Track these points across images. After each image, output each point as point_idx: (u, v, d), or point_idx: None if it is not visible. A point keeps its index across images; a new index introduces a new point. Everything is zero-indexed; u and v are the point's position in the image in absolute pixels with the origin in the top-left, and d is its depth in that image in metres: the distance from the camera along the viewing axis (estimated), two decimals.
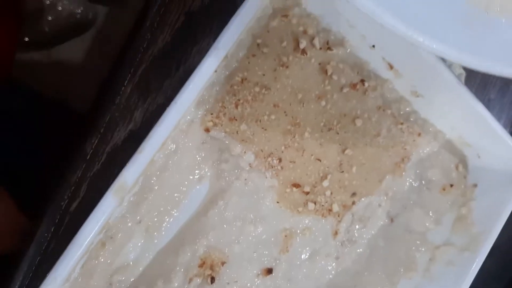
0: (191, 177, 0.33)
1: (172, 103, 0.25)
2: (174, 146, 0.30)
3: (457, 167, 0.39)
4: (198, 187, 0.33)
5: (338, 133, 0.35)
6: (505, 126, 0.50)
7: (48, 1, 0.66)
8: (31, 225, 0.44)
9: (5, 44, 0.53)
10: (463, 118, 0.36)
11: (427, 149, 0.38)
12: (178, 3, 0.33)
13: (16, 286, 0.32)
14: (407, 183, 0.38)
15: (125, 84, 0.32)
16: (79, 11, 0.67)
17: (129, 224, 0.30)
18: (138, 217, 0.30)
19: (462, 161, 0.39)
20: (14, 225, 0.47)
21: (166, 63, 0.33)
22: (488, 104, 0.48)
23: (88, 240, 0.24)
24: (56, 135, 0.47)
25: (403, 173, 0.38)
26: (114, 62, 0.32)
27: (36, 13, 0.65)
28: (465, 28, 0.22)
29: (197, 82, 0.25)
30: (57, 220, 0.32)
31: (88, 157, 0.32)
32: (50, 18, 0.66)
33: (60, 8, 0.66)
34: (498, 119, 0.49)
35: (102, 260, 0.29)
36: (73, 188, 0.32)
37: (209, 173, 0.33)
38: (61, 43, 0.68)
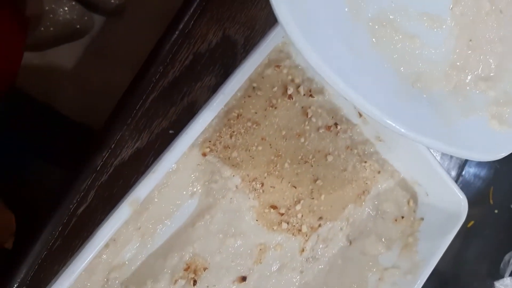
0: (185, 192, 0.38)
1: (184, 134, 0.30)
2: (175, 166, 0.36)
3: (408, 202, 0.46)
4: (189, 201, 0.39)
5: (312, 166, 0.41)
6: (454, 168, 0.58)
7: (47, 7, 0.69)
8: (16, 222, 0.48)
9: (12, 51, 0.56)
10: (416, 163, 0.43)
11: (385, 185, 0.45)
12: (188, 44, 0.38)
13: (21, 277, 0.36)
14: (366, 212, 0.45)
15: (137, 108, 0.37)
16: (76, 17, 0.70)
17: (130, 229, 0.35)
18: (138, 224, 0.35)
19: (413, 197, 0.46)
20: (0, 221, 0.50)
21: (173, 94, 0.38)
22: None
23: (104, 241, 0.29)
24: (69, 146, 0.51)
25: (363, 204, 0.45)
26: (127, 89, 0.37)
27: (35, 19, 0.68)
28: (394, 97, 0.27)
29: (205, 119, 0.31)
30: (64, 221, 0.36)
31: (98, 168, 0.37)
32: (48, 23, 0.68)
33: (58, 14, 0.69)
34: (449, 161, 0.57)
35: (104, 258, 0.34)
36: (82, 194, 0.36)
37: (200, 190, 0.39)
38: (57, 46, 0.71)
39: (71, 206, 0.36)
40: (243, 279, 0.40)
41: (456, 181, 0.56)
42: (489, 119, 0.31)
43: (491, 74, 0.32)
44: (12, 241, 0.48)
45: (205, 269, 0.38)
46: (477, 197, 0.61)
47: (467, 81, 0.31)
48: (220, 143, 0.37)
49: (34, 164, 0.59)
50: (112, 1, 0.71)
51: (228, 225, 0.39)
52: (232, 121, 0.37)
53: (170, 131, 0.38)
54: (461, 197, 0.43)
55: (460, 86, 0.31)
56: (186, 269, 0.38)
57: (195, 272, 0.38)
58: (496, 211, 0.62)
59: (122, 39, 0.74)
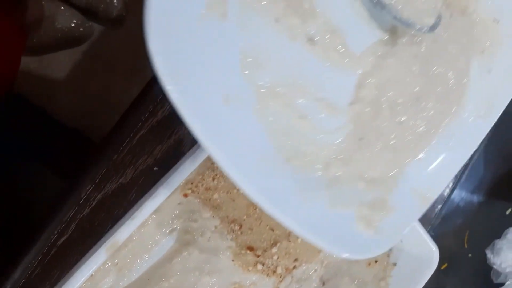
0: (164, 229, 0.39)
1: (166, 183, 0.31)
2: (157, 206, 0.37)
3: None
4: (168, 237, 0.40)
5: None
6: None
7: (48, 14, 0.69)
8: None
9: (11, 55, 0.57)
10: None
11: None
12: None
13: None
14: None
15: (124, 145, 0.38)
16: (76, 25, 0.71)
17: (108, 265, 0.36)
18: (116, 260, 0.36)
19: None
20: None
21: (161, 132, 0.39)
22: None
23: (79, 283, 0.30)
24: (63, 151, 0.51)
25: None
26: (115, 124, 0.38)
27: (35, 24, 0.68)
28: (260, 162, 0.28)
29: (189, 167, 0.32)
30: (45, 250, 0.37)
31: (81, 201, 0.37)
32: (48, 29, 0.69)
33: (58, 21, 0.69)
34: None
35: None
36: (63, 225, 0.37)
37: (179, 228, 0.40)
38: (55, 52, 0.71)
39: (52, 237, 0.37)
40: None
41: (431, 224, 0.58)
42: (357, 219, 0.31)
43: (374, 177, 0.32)
44: None
45: None
46: (451, 240, 0.63)
47: (346, 175, 0.31)
48: (202, 185, 0.38)
49: (28, 167, 0.59)
50: (113, 11, 0.72)
51: (205, 263, 0.40)
52: (214, 165, 0.38)
53: (155, 168, 0.39)
54: (434, 248, 0.45)
55: (338, 178, 0.31)
56: None
57: None
58: (470, 255, 0.64)
59: (120, 49, 0.75)
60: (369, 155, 0.32)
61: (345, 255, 0.30)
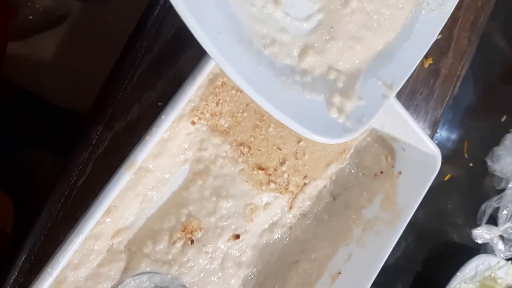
0: (178, 160, 0.41)
1: (172, 103, 0.33)
2: (167, 135, 0.38)
3: (386, 158, 0.49)
4: (182, 167, 0.41)
5: None
6: (429, 127, 0.61)
7: None
8: (13, 205, 0.50)
9: None
10: (392, 120, 0.46)
11: (364, 143, 0.48)
12: (171, 19, 0.40)
13: (29, 247, 0.39)
14: (347, 169, 0.48)
15: (126, 83, 0.39)
16: (54, 4, 0.71)
17: (130, 196, 0.37)
18: (137, 191, 0.38)
19: (391, 153, 0.49)
20: None
21: (159, 67, 0.40)
22: (415, 108, 0.58)
23: (107, 204, 0.31)
24: (57, 132, 0.52)
25: (345, 161, 0.48)
26: (115, 64, 0.39)
27: (14, 8, 0.68)
28: (236, 44, 0.29)
29: (191, 89, 0.33)
30: (66, 193, 0.39)
31: (94, 142, 0.39)
32: (27, 12, 0.69)
33: (36, 2, 0.69)
34: (424, 120, 0.60)
35: (107, 223, 0.37)
36: (80, 166, 0.39)
37: (191, 158, 0.41)
38: (37, 34, 0.71)
39: (71, 179, 0.39)
40: (237, 236, 0.43)
41: (431, 139, 0.60)
42: (329, 106, 0.33)
43: (346, 67, 0.34)
44: (11, 226, 0.50)
45: (201, 229, 0.41)
46: (452, 152, 0.65)
47: (319, 64, 0.33)
48: (207, 111, 0.39)
49: (25, 150, 0.60)
50: None
51: (220, 189, 0.42)
52: (217, 90, 0.39)
53: (159, 103, 0.40)
54: (434, 149, 0.46)
55: (311, 67, 0.33)
56: (183, 230, 0.41)
57: (191, 232, 0.41)
58: (471, 164, 0.66)
59: (103, 22, 0.75)
60: (340, 45, 0.33)
61: (318, 138, 0.32)
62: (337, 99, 0.33)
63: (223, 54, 0.27)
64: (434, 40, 0.37)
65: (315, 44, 0.33)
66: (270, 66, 0.31)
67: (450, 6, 0.37)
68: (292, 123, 0.31)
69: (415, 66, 0.36)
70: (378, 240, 0.47)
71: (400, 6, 0.35)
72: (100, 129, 0.39)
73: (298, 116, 0.31)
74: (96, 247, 0.36)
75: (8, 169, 0.58)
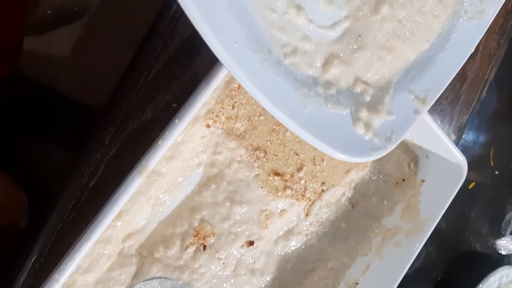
0: (191, 163, 0.39)
1: (187, 105, 0.31)
2: (181, 138, 0.37)
3: (409, 165, 0.47)
4: (196, 171, 0.40)
5: None
6: (454, 132, 0.59)
7: None
8: (28, 201, 0.49)
9: (13, 32, 0.57)
10: (416, 127, 0.44)
11: None
12: (187, 18, 0.39)
13: (39, 249, 0.38)
14: (368, 176, 0.46)
15: (140, 83, 0.38)
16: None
17: (142, 200, 0.36)
18: (149, 194, 0.37)
19: (414, 160, 0.47)
20: (14, 201, 0.52)
21: (174, 68, 0.39)
22: (440, 113, 0.56)
23: (118, 208, 0.30)
24: (72, 127, 0.52)
25: (365, 168, 0.46)
26: (129, 64, 0.38)
27: (33, 2, 0.68)
28: (252, 54, 0.26)
29: (206, 92, 0.31)
30: (77, 194, 0.38)
31: (106, 143, 0.38)
32: (45, 6, 0.69)
33: None
34: (449, 126, 0.58)
35: (118, 227, 0.36)
36: (92, 168, 0.38)
37: (205, 161, 0.40)
38: (54, 29, 0.71)
39: (82, 180, 0.38)
40: (251, 243, 0.42)
41: (456, 145, 0.57)
42: (355, 121, 0.30)
43: (375, 79, 0.31)
44: (26, 220, 0.49)
45: (214, 234, 0.40)
46: (477, 159, 0.62)
47: (345, 75, 0.30)
48: (223, 114, 0.38)
49: (40, 145, 0.60)
50: None
51: (234, 194, 0.41)
52: (233, 92, 0.38)
53: (174, 105, 0.39)
54: (461, 158, 0.44)
55: (335, 78, 0.30)
56: (195, 235, 0.40)
57: (204, 238, 0.40)
58: (496, 172, 0.63)
59: (120, 18, 0.75)
60: (369, 55, 0.31)
61: (343, 157, 0.29)
62: (364, 113, 0.31)
63: (239, 64, 0.25)
64: (472, 50, 0.34)
65: (341, 54, 0.30)
66: (291, 77, 0.28)
67: (491, 14, 0.34)
68: (314, 140, 0.28)
69: (451, 79, 0.34)
70: (398, 252, 0.45)
71: (435, 13, 0.33)
72: (113, 130, 0.38)
73: (321, 132, 0.28)
74: (106, 251, 0.35)
75: (22, 164, 0.58)
